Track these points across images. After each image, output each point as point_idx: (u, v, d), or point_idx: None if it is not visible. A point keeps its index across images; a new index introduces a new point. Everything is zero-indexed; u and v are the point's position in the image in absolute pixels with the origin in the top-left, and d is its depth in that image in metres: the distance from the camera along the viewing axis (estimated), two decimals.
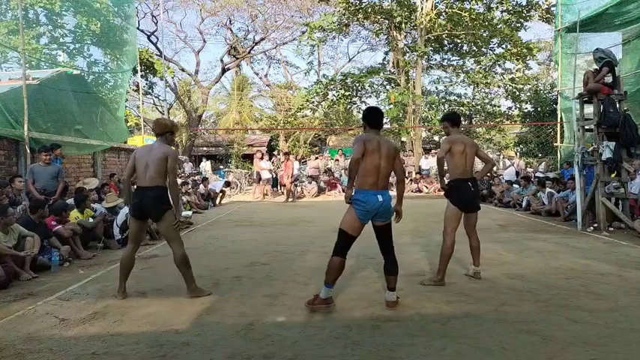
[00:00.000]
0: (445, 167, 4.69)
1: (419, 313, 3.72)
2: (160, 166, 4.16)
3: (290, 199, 14.70)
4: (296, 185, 15.71)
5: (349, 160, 4.32)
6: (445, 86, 23.55)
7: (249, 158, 27.83)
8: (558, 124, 13.95)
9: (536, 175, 14.02)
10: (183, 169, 17.90)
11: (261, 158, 15.93)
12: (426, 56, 20.32)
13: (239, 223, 9.75)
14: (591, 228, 7.70)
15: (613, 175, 7.76)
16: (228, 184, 16.33)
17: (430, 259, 5.71)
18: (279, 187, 16.78)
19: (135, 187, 4.45)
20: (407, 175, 18.26)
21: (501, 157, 26.87)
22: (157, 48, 24.89)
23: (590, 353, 2.90)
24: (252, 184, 20.12)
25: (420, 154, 19.68)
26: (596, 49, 7.99)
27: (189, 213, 9.56)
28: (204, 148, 30.43)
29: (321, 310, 3.73)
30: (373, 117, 3.89)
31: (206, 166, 22.65)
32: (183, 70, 28.90)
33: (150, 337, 3.29)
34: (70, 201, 7.53)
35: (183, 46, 39.58)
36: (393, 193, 3.84)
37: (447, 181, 4.75)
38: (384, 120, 3.89)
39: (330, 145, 31.36)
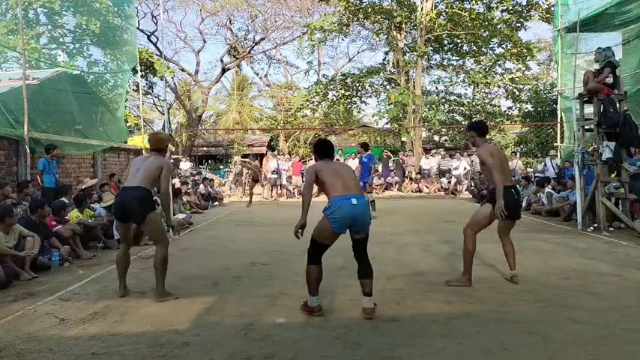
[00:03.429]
0: (482, 175, 4.63)
1: (419, 313, 3.72)
2: (152, 172, 4.15)
3: (267, 198, 14.64)
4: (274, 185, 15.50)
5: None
6: (445, 86, 23.55)
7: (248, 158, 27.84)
8: (558, 124, 13.93)
9: (536, 175, 14.02)
10: (179, 169, 17.82)
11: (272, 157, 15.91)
12: (426, 56, 20.32)
13: (239, 223, 9.75)
14: (591, 228, 7.70)
15: (613, 175, 7.76)
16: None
17: (430, 259, 5.71)
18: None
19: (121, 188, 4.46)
20: (407, 174, 18.28)
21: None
22: (157, 48, 24.89)
23: (590, 353, 2.90)
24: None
25: (420, 154, 19.68)
26: (599, 48, 7.96)
27: (184, 215, 9.42)
28: (204, 148, 30.43)
29: (312, 314, 3.64)
30: (320, 149, 3.85)
31: (184, 166, 18.87)
32: (183, 70, 28.90)
33: (150, 337, 3.29)
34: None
35: (183, 46, 39.65)
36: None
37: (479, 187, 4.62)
38: (334, 149, 3.74)
39: None
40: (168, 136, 4.97)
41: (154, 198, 4.41)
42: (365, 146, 10.34)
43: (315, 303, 3.64)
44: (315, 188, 3.77)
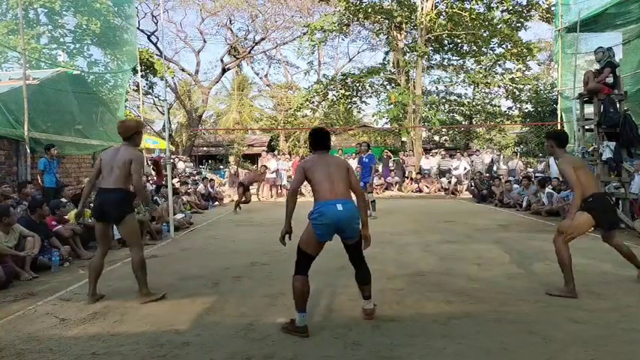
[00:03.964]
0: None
1: (419, 313, 3.71)
2: (124, 170, 4.14)
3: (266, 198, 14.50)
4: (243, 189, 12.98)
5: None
6: (445, 86, 23.56)
7: (249, 158, 27.86)
8: (558, 124, 13.93)
9: (537, 175, 14.02)
10: (177, 169, 17.83)
11: (272, 157, 15.86)
12: (426, 56, 20.31)
13: (239, 223, 9.75)
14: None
15: (613, 176, 7.76)
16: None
17: (430, 259, 5.71)
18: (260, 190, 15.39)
19: (98, 188, 4.41)
20: (407, 174, 18.27)
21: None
22: (157, 48, 24.89)
23: (590, 353, 2.90)
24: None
25: (420, 154, 19.68)
26: (600, 47, 7.93)
27: (183, 215, 9.41)
28: (205, 148, 30.44)
29: (296, 335, 3.26)
30: (314, 138, 3.56)
31: (181, 166, 18.36)
32: (183, 70, 28.89)
33: (150, 337, 3.29)
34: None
35: (184, 46, 39.60)
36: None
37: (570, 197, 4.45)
38: (329, 139, 3.39)
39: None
40: (137, 122, 4.82)
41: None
42: (367, 146, 10.33)
43: (303, 322, 3.27)
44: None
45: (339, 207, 3.24)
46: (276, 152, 21.37)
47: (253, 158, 27.21)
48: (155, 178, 13.26)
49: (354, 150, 22.16)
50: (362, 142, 12.06)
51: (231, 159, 19.68)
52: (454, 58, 22.62)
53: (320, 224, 3.25)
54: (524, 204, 10.91)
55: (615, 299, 3.96)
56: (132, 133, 4.37)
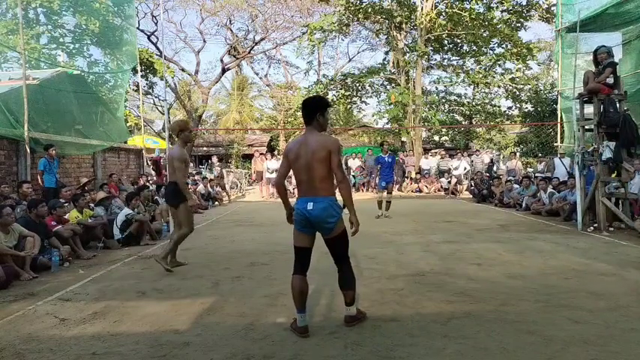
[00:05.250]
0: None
1: (419, 313, 3.71)
2: (170, 166, 5.43)
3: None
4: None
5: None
6: (445, 86, 23.57)
7: (249, 158, 27.87)
8: (558, 124, 13.94)
9: (536, 175, 14.01)
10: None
11: (267, 158, 15.88)
12: (426, 56, 20.33)
13: (239, 223, 9.75)
14: (591, 228, 7.69)
15: (613, 175, 7.76)
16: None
17: (430, 259, 5.71)
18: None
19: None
20: (407, 174, 18.26)
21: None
22: (157, 48, 24.88)
23: (590, 353, 2.90)
24: (252, 184, 20.15)
25: (420, 154, 19.69)
26: (604, 46, 7.87)
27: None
28: (205, 148, 30.44)
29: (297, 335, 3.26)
30: (302, 113, 3.40)
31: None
32: (183, 70, 28.90)
33: (150, 337, 3.29)
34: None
35: (184, 46, 39.63)
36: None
37: None
38: (316, 108, 3.17)
39: None
40: (180, 121, 6.06)
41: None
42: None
43: (302, 323, 3.24)
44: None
45: (310, 206, 3.21)
46: (276, 152, 21.35)
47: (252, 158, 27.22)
48: (155, 178, 13.29)
49: (354, 150, 22.18)
50: (385, 141, 11.99)
51: (215, 159, 19.59)
52: (454, 58, 22.65)
53: (296, 218, 3.34)
54: (523, 205, 10.92)
55: (615, 299, 3.96)
56: (175, 132, 5.48)
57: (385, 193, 9.90)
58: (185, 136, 5.43)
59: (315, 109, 3.33)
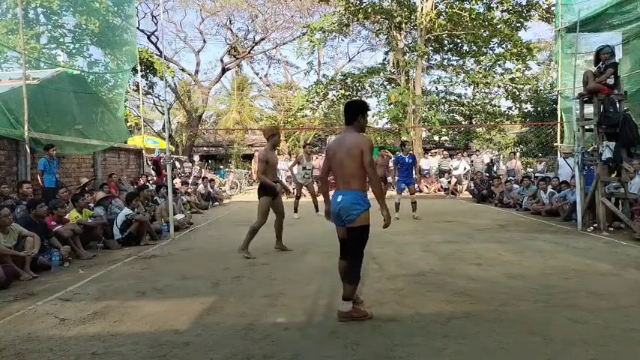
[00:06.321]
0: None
1: (419, 313, 3.71)
2: (255, 165, 5.79)
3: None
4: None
5: None
6: (445, 86, 23.55)
7: (249, 158, 27.86)
8: (558, 124, 13.94)
9: (536, 175, 14.01)
10: (182, 168, 17.83)
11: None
12: (426, 56, 20.32)
13: (239, 223, 9.74)
14: (591, 228, 7.69)
15: (613, 175, 7.76)
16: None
17: (430, 259, 5.71)
18: None
19: None
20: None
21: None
22: (157, 48, 24.90)
23: (590, 353, 2.90)
24: (252, 184, 20.15)
25: (420, 154, 19.69)
26: (608, 46, 7.83)
27: (182, 216, 9.38)
28: (205, 148, 30.44)
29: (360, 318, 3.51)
30: (345, 112, 3.76)
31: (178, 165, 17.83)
32: (183, 70, 28.89)
33: (150, 337, 3.29)
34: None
35: (183, 46, 39.50)
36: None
37: None
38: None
39: None
40: (269, 127, 6.74)
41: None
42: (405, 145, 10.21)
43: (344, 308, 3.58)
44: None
45: (339, 198, 3.53)
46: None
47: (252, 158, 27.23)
48: (155, 177, 13.30)
49: None
50: (405, 141, 11.93)
51: (196, 158, 19.40)
52: (454, 58, 22.62)
53: (332, 214, 3.65)
54: (524, 205, 10.91)
55: (615, 299, 3.96)
56: (267, 136, 6.08)
57: (403, 194, 9.83)
58: (275, 140, 6.12)
59: (357, 110, 3.68)
